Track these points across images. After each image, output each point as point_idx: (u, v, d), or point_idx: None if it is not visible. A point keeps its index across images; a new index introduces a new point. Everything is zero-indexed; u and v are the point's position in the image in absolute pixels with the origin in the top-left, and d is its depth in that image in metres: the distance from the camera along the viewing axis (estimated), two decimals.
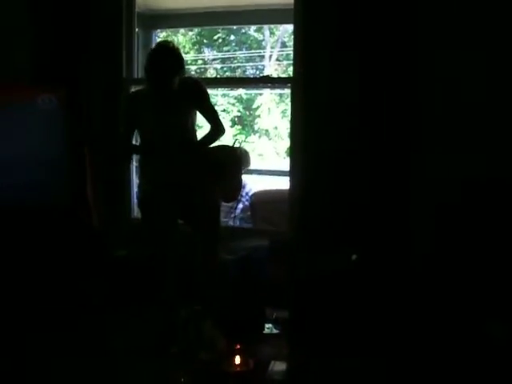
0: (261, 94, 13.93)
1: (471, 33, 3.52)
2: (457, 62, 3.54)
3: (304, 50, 3.88)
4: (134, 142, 3.70)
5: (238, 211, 5.01)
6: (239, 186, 3.77)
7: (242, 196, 4.91)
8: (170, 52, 3.35)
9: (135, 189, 4.34)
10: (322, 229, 3.76)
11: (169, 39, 4.78)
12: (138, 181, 3.78)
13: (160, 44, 3.57)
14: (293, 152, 4.15)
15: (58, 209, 4.16)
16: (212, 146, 3.63)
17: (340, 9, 3.72)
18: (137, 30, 4.59)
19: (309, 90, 3.87)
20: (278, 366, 2.95)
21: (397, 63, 3.63)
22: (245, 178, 4.67)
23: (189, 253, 3.57)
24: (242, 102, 14.09)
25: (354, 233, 3.68)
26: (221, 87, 9.04)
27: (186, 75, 3.49)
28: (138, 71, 4.52)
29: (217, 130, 3.63)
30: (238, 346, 2.91)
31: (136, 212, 4.39)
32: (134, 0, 4.45)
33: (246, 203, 5.20)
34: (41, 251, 3.98)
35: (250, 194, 5.22)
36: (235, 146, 3.65)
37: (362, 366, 2.93)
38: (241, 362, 2.85)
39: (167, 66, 3.28)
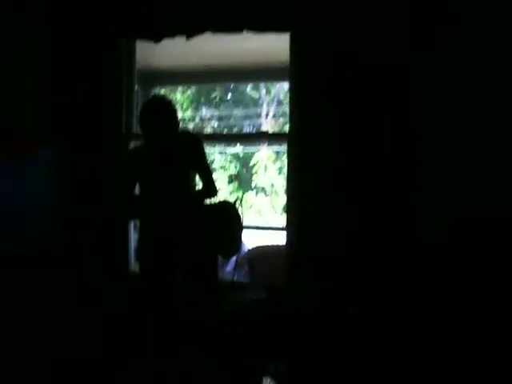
0: (258, 151, 14.07)
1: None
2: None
3: (299, 108, 3.95)
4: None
5: (230, 265, 5.03)
6: (240, 242, 3.77)
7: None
8: (161, 106, 3.38)
9: (133, 243, 4.37)
10: (319, 282, 3.76)
11: (161, 94, 4.82)
12: (136, 235, 3.78)
13: (152, 98, 3.60)
14: (289, 208, 4.17)
15: (53, 259, 4.17)
16: (214, 201, 3.64)
17: (335, 68, 3.82)
18: (136, 87, 4.68)
19: (304, 146, 3.93)
20: None
21: (394, 120, 3.70)
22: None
23: (188, 306, 3.56)
24: (239, 159, 14.22)
25: (350, 286, 3.69)
26: (218, 143, 9.10)
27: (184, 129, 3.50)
28: (137, 128, 4.59)
29: (210, 190, 3.61)
30: None
31: (134, 265, 4.39)
32: (135, 58, 4.54)
33: (243, 258, 5.22)
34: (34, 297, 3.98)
35: (245, 249, 5.23)
36: (237, 203, 3.65)
37: None
38: None
39: (159, 119, 3.31)
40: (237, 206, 3.63)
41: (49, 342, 3.86)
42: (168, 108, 3.37)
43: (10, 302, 3.93)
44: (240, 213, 3.62)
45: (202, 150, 3.58)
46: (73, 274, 4.19)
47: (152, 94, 5.22)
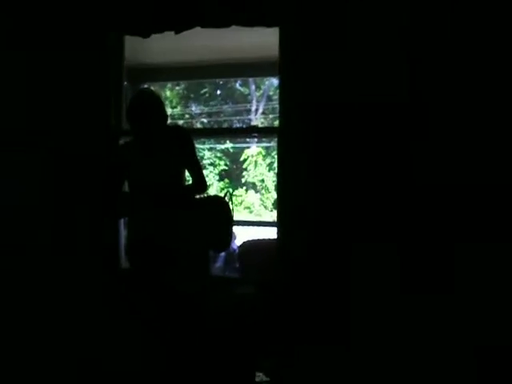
0: (248, 148, 14.08)
1: None
2: None
3: (289, 103, 3.95)
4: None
5: (220, 260, 5.04)
6: (230, 236, 3.77)
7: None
8: (147, 99, 3.35)
9: (123, 239, 4.36)
10: (310, 278, 3.77)
11: (147, 88, 4.81)
12: (125, 231, 3.76)
13: (138, 92, 3.59)
14: (280, 203, 4.17)
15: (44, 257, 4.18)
16: (204, 196, 3.64)
17: (324, 62, 3.82)
18: (125, 83, 4.66)
19: (294, 141, 3.92)
20: None
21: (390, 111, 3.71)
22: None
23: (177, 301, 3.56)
24: (228, 155, 14.22)
25: (342, 280, 3.70)
26: (208, 138, 9.10)
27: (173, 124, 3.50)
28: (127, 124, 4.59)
29: (199, 185, 3.60)
30: None
31: (125, 262, 4.38)
32: (123, 54, 4.52)
33: (233, 253, 5.23)
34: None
35: (234, 244, 5.24)
36: (227, 198, 3.66)
37: None
38: None
39: (146, 113, 3.30)
40: (226, 200, 3.64)
41: (48, 341, 3.88)
42: (154, 101, 3.36)
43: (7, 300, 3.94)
44: (230, 207, 3.63)
45: (192, 144, 3.57)
46: (66, 272, 4.21)
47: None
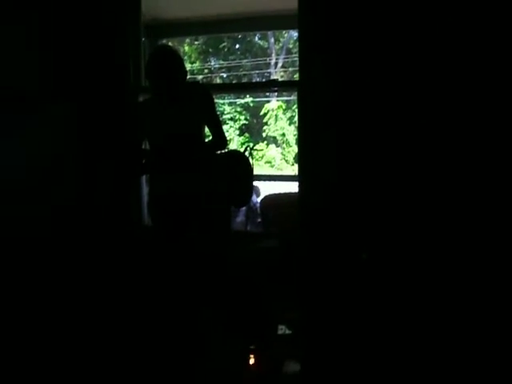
0: (268, 102, 13.98)
1: None
2: None
3: (309, 55, 3.90)
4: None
5: (242, 215, 5.07)
6: (250, 191, 3.78)
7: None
8: (166, 55, 3.30)
9: (146, 197, 4.39)
10: (332, 230, 3.78)
11: (165, 44, 4.77)
12: (147, 188, 3.78)
13: (157, 48, 3.55)
14: (301, 157, 4.15)
15: (67, 216, 4.23)
16: (224, 151, 3.64)
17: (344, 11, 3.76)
18: (143, 39, 4.64)
19: (315, 94, 3.89)
20: (292, 366, 2.98)
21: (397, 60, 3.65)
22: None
23: (200, 258, 3.60)
24: (249, 109, 14.14)
25: (363, 232, 3.70)
26: (228, 93, 9.06)
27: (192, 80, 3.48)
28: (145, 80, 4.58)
29: (220, 142, 3.60)
30: (252, 346, 2.95)
31: (147, 219, 4.42)
32: (140, 10, 4.49)
33: (254, 207, 5.26)
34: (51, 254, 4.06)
35: (254, 198, 5.26)
36: (246, 153, 3.66)
37: (373, 365, 2.95)
38: (257, 361, 2.89)
39: (165, 70, 3.28)
40: (246, 155, 3.64)
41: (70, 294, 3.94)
42: (173, 57, 3.32)
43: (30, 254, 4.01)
44: (249, 162, 3.63)
45: (211, 100, 3.55)
46: (89, 232, 4.27)
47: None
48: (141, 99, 4.31)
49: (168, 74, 3.26)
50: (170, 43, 6.45)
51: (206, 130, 3.63)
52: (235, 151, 3.73)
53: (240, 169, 3.61)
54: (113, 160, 4.27)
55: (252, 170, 3.68)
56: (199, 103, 3.46)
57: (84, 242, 4.21)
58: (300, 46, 4.06)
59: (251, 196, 3.88)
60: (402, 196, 3.67)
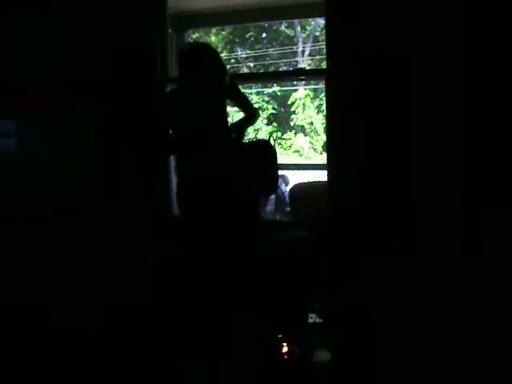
0: (295, 91, 13.93)
1: None
2: None
3: (336, 44, 3.87)
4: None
5: (270, 204, 5.07)
6: (276, 179, 3.79)
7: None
8: (200, 43, 3.44)
9: (174, 187, 4.41)
10: (362, 218, 3.76)
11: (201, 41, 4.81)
12: (175, 178, 3.80)
13: (192, 42, 3.57)
14: (329, 146, 4.13)
15: (97, 207, 4.27)
16: (248, 140, 3.66)
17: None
18: (169, 30, 4.65)
19: (343, 82, 3.87)
20: (323, 355, 2.98)
21: None
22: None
23: (230, 246, 3.61)
24: (276, 99, 14.10)
25: (394, 220, 3.68)
26: (255, 82, 9.06)
27: None
28: (173, 71, 4.59)
29: (252, 114, 3.69)
30: (283, 335, 2.96)
31: (176, 210, 4.43)
32: (166, 2, 4.51)
33: (283, 196, 5.26)
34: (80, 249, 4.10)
35: (283, 187, 5.27)
36: (272, 141, 3.68)
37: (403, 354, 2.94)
38: (288, 350, 2.90)
39: (199, 51, 3.31)
40: (272, 143, 3.66)
41: (100, 289, 3.98)
42: (211, 51, 3.38)
43: (57, 251, 4.05)
44: (275, 151, 3.65)
45: (234, 85, 3.65)
46: (118, 223, 4.31)
47: (186, 36, 5.18)
48: (168, 89, 4.33)
49: (201, 65, 3.29)
50: (196, 34, 6.45)
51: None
52: (261, 140, 3.76)
53: (267, 157, 3.62)
54: (140, 150, 4.30)
55: (276, 158, 3.69)
56: (225, 90, 3.49)
57: (114, 232, 4.25)
58: (327, 34, 4.04)
59: (277, 184, 3.89)
60: (432, 184, 3.64)
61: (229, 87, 3.55)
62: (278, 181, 3.82)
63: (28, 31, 4.37)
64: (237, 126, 3.66)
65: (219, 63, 3.41)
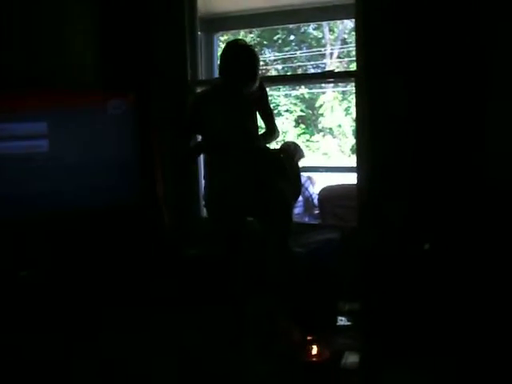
0: (323, 93, 13.90)
1: None
2: None
3: (366, 45, 3.87)
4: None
5: (298, 207, 5.09)
6: (300, 183, 3.81)
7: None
8: (250, 48, 3.41)
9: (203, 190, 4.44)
10: (392, 220, 3.75)
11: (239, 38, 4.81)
12: (204, 181, 3.82)
13: (237, 42, 3.55)
14: (358, 149, 4.13)
15: (130, 209, 4.30)
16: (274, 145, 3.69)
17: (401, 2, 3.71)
18: (199, 33, 4.69)
19: (372, 84, 3.86)
20: (352, 357, 2.97)
21: (465, 54, 3.57)
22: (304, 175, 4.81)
23: (260, 248, 3.61)
24: (304, 101, 14.08)
25: (425, 223, 3.66)
26: (283, 84, 9.05)
27: None
28: (202, 73, 4.63)
29: (273, 132, 3.69)
30: (312, 337, 2.96)
31: (205, 211, 4.46)
32: (196, 5, 4.55)
33: (311, 199, 5.27)
34: (113, 251, 4.12)
35: (310, 189, 5.28)
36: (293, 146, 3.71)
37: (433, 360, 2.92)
38: (317, 352, 2.90)
39: (253, 61, 3.33)
40: (295, 148, 3.68)
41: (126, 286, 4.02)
42: (256, 55, 3.40)
43: (89, 255, 4.09)
44: (295, 149, 3.67)
45: (265, 94, 3.62)
46: (148, 224, 4.35)
47: (214, 39, 5.22)
48: (198, 91, 4.36)
49: (254, 75, 3.34)
50: (225, 36, 6.48)
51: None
52: (285, 144, 3.77)
53: (292, 162, 3.65)
54: (172, 153, 4.35)
55: (298, 162, 3.71)
56: (254, 96, 3.49)
57: (143, 235, 4.30)
58: (356, 36, 4.04)
59: (301, 189, 3.90)
60: (461, 188, 3.62)
61: (260, 97, 3.55)
62: (301, 186, 3.83)
63: (66, 32, 4.42)
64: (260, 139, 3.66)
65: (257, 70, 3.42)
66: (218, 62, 3.55)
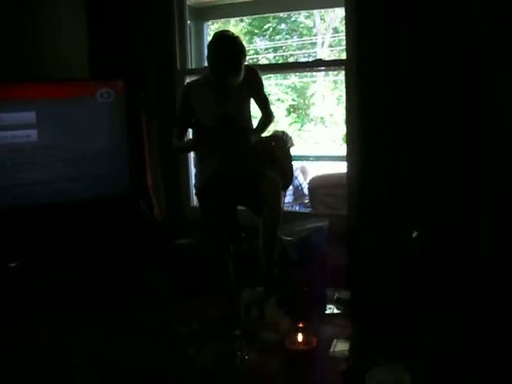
0: (314, 82, 13.87)
1: None
2: None
3: (356, 34, 3.85)
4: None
5: (288, 196, 5.09)
6: (292, 171, 3.79)
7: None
8: (235, 41, 3.34)
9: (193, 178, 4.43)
10: (381, 209, 3.75)
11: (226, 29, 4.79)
12: (195, 170, 3.81)
13: (222, 34, 3.53)
14: (349, 136, 4.12)
15: (120, 198, 4.29)
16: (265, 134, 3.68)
17: None
18: (188, 22, 4.67)
19: (362, 73, 3.85)
20: (341, 345, 2.98)
21: (455, 45, 3.56)
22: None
23: (249, 236, 3.61)
24: (295, 90, 14.06)
25: (413, 211, 3.67)
26: (274, 73, 9.03)
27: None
28: (192, 62, 4.61)
29: (269, 118, 3.72)
30: (301, 325, 2.96)
31: (195, 201, 4.46)
32: None
33: (300, 188, 5.28)
34: (102, 240, 4.11)
35: (300, 178, 5.29)
36: (285, 134, 3.70)
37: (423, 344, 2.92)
38: (304, 340, 2.91)
39: (236, 54, 3.30)
40: (285, 137, 3.66)
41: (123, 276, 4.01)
42: (241, 44, 3.36)
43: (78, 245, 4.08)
44: (286, 137, 3.66)
45: (261, 80, 3.63)
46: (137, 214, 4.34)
47: (204, 28, 5.20)
48: (187, 81, 4.34)
49: (237, 59, 3.29)
50: (215, 25, 6.44)
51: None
52: (276, 132, 3.76)
53: (283, 151, 3.64)
54: (161, 142, 4.33)
55: (289, 150, 3.69)
56: (250, 86, 3.50)
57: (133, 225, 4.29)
58: (347, 25, 4.03)
59: (293, 177, 3.88)
60: (452, 176, 3.63)
61: (255, 83, 3.55)
62: (293, 174, 3.81)
63: (53, 21, 4.40)
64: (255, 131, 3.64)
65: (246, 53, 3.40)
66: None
